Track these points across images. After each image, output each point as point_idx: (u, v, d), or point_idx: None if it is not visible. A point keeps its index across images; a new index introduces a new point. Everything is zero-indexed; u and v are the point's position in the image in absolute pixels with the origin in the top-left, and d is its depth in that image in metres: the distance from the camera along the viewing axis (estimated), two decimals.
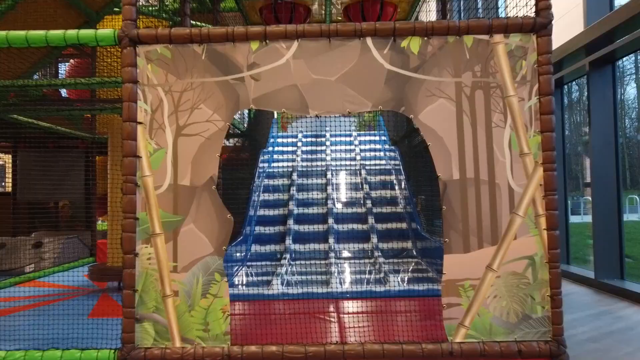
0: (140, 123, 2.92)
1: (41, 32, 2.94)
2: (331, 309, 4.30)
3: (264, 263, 5.86)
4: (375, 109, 2.97)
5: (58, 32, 2.94)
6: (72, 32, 2.93)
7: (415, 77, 2.95)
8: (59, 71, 7.85)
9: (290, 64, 2.95)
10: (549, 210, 2.83)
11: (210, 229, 2.96)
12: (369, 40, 2.93)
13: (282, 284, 4.96)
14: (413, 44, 2.93)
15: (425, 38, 2.92)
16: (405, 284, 4.90)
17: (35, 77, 5.75)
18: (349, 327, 3.74)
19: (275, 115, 10.74)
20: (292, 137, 9.35)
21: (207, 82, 2.97)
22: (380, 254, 6.09)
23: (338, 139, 8.98)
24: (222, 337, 2.90)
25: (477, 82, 2.93)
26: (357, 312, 4.18)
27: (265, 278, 5.36)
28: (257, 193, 7.33)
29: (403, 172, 7.67)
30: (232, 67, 2.97)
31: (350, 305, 4.39)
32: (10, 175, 7.69)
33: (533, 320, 2.85)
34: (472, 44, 2.91)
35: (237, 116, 7.92)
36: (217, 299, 2.92)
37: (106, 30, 2.94)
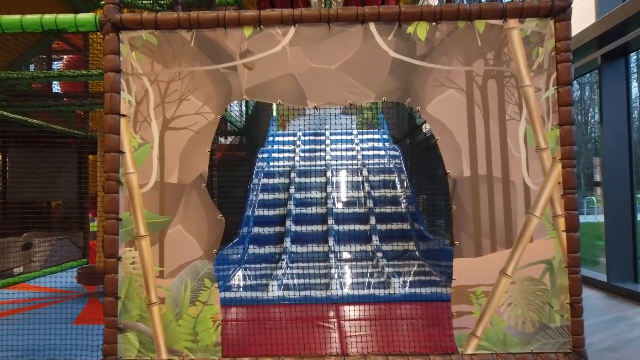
0: (123, 116, 2.70)
1: (16, 17, 2.71)
2: (331, 314, 4.07)
3: (260, 265, 5.64)
4: (379, 100, 2.75)
5: (34, 17, 2.71)
6: (49, 17, 2.70)
7: (422, 66, 2.72)
8: (52, 68, 7.62)
9: (287, 52, 2.73)
10: (569, 210, 2.61)
11: (199, 231, 2.73)
12: (372, 26, 2.70)
13: (279, 287, 4.73)
14: (420, 30, 2.70)
15: (434, 23, 2.69)
16: (409, 288, 4.67)
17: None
18: (350, 336, 3.50)
19: (274, 113, 10.56)
20: (291, 135, 9.16)
21: (197, 72, 2.75)
22: (382, 255, 5.87)
23: (338, 137, 8.76)
24: (212, 348, 2.67)
25: (489, 71, 2.71)
26: (359, 319, 3.94)
27: (262, 281, 5.14)
28: (254, 192, 7.12)
29: (405, 171, 7.47)
30: (224, 55, 2.74)
31: (351, 311, 4.15)
32: None
33: (551, 330, 2.62)
34: (484, 30, 2.69)
35: (235, 113, 7.70)
36: (207, 306, 2.69)
37: (86, 15, 2.72)
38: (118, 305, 2.65)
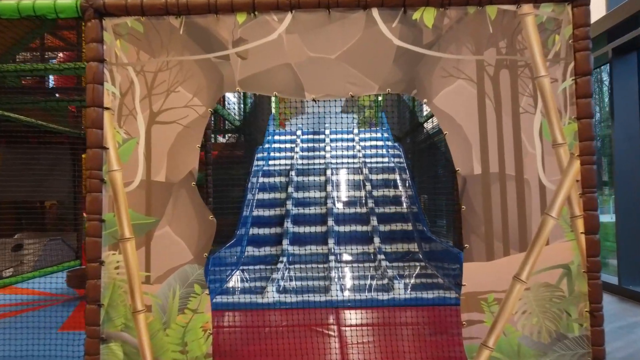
0: (107, 109, 2.50)
1: None
2: (331, 320, 3.88)
3: (257, 267, 5.45)
4: (383, 91, 2.56)
5: (11, 3, 2.51)
6: (27, 3, 2.50)
7: (429, 55, 2.53)
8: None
9: (283, 40, 2.54)
10: (588, 210, 2.42)
11: (189, 233, 2.54)
12: (374, 12, 2.51)
13: (277, 291, 4.54)
14: (427, 16, 2.50)
15: (441, 9, 2.49)
16: (412, 291, 4.47)
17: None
18: (351, 344, 3.31)
19: (273, 111, 10.37)
20: (290, 133, 9.00)
21: (186, 61, 2.56)
22: (383, 257, 5.68)
23: (338, 135, 8.58)
24: (202, 359, 2.47)
25: (502, 60, 2.52)
26: (360, 325, 3.75)
27: (259, 284, 4.94)
28: (252, 192, 6.94)
29: (407, 170, 7.29)
30: (215, 44, 2.55)
31: (352, 316, 3.96)
32: None
33: (569, 340, 2.43)
34: (496, 16, 2.49)
35: (232, 112, 7.50)
36: (196, 314, 2.50)
37: (67, 0, 2.51)
38: (101, 314, 2.45)
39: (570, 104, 2.45)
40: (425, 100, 2.55)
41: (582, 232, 2.42)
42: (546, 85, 2.47)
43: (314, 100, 2.56)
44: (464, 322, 2.47)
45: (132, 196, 2.51)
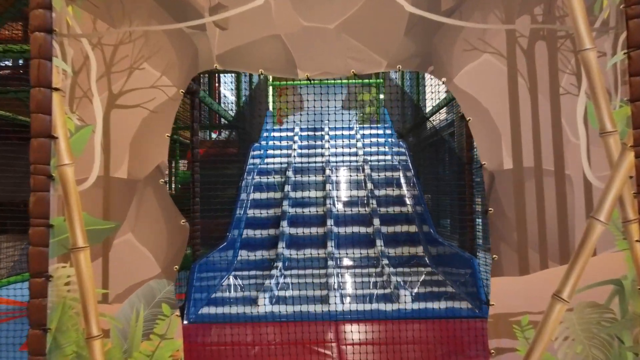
0: (56, 89, 2.11)
1: None
2: (329, 336, 3.45)
3: (251, 273, 5.04)
4: (392, 68, 2.19)
5: None
6: None
7: (448, 24, 2.19)
8: None
9: (271, 6, 2.21)
10: None
11: (156, 241, 2.20)
12: None
13: (270, 301, 4.12)
14: None
15: None
16: (420, 301, 4.06)
17: None
18: None
19: (270, 108, 10.01)
20: (287, 130, 8.68)
21: (153, 32, 2.22)
22: (387, 261, 5.28)
23: (338, 132, 8.24)
24: None
25: (537, 30, 2.17)
26: (363, 342, 3.32)
27: (250, 293, 4.53)
28: (246, 192, 6.57)
29: (411, 168, 6.93)
30: (189, 11, 2.21)
31: (352, 331, 3.53)
32: None
33: None
34: None
35: (227, 106, 7.09)
36: (165, 341, 2.13)
37: None
38: (47, 340, 2.05)
39: (622, 83, 2.11)
40: (444, 79, 2.21)
41: (637, 240, 2.04)
42: (592, 61, 2.08)
43: (308, 79, 2.15)
44: (492, 351, 2.09)
45: (86, 196, 2.14)
